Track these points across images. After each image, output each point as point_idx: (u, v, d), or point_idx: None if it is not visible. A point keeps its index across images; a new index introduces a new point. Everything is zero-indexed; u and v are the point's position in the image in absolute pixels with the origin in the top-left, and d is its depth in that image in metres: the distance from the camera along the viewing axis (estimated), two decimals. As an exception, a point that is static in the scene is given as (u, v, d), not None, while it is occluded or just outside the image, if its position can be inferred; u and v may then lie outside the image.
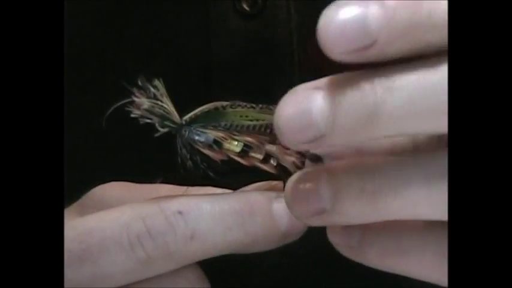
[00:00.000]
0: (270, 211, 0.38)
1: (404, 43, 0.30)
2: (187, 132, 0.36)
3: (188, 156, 0.37)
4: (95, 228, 0.36)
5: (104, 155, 0.49)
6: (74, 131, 0.41)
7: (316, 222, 0.34)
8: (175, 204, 0.36)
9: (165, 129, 0.36)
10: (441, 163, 0.32)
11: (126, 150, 0.46)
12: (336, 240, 0.36)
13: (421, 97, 0.30)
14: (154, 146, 0.38)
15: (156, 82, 0.36)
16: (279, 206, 0.38)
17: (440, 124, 0.31)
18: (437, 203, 0.32)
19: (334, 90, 0.31)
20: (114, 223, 0.36)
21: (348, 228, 0.35)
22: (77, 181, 0.41)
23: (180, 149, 0.37)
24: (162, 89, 0.36)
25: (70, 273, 0.35)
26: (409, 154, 0.33)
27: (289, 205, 0.35)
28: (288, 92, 0.32)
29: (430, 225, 0.34)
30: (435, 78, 0.30)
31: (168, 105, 0.36)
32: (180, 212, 0.36)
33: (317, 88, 0.32)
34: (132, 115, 0.36)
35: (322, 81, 0.32)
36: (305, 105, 0.31)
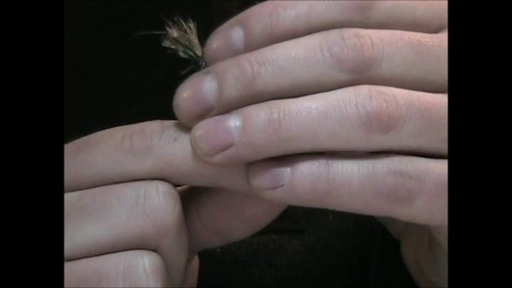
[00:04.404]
0: None
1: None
2: (204, 64, 0.39)
3: None
4: (101, 131, 0.39)
5: None
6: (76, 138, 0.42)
7: (221, 159, 0.37)
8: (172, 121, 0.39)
9: (186, 56, 0.39)
10: (335, 98, 0.36)
11: None
12: (261, 183, 0.37)
13: (288, 69, 0.36)
14: None
15: (191, 23, 0.39)
16: None
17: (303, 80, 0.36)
18: (334, 134, 0.36)
19: (220, 71, 0.37)
20: (119, 127, 0.39)
21: (276, 167, 0.37)
22: None
23: None
24: (194, 30, 0.39)
25: (67, 162, 0.38)
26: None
27: (195, 142, 0.37)
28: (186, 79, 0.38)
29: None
30: (298, 54, 0.36)
31: (195, 40, 0.39)
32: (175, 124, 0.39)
33: (207, 73, 0.37)
34: (163, 44, 0.39)
35: (212, 67, 0.38)
36: (197, 85, 0.37)
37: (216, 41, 0.38)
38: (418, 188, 0.36)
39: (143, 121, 0.39)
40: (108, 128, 0.39)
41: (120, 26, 0.49)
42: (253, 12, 0.38)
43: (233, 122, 0.36)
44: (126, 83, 0.49)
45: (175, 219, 0.37)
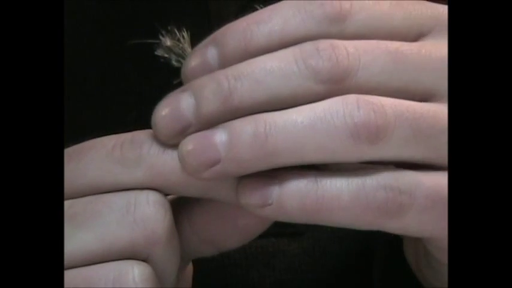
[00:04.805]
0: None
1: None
2: None
3: None
4: (93, 140, 0.39)
5: None
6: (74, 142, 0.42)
7: (209, 175, 0.37)
8: None
9: (179, 65, 0.39)
10: (321, 109, 0.36)
11: None
12: (250, 200, 0.37)
13: (264, 81, 0.36)
14: None
15: (184, 32, 0.39)
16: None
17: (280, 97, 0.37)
18: (322, 147, 0.36)
19: (197, 88, 0.37)
20: (111, 136, 0.39)
21: (264, 185, 0.37)
22: None
23: None
24: (188, 39, 0.39)
25: None
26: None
27: (183, 159, 0.37)
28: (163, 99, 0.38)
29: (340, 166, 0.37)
30: (274, 66, 0.36)
31: (188, 50, 0.39)
32: None
33: (184, 90, 0.37)
34: (156, 53, 0.40)
35: (189, 84, 0.38)
36: (174, 103, 0.37)
37: (193, 61, 0.38)
38: (409, 202, 0.36)
39: (142, 125, 0.39)
40: (107, 132, 0.39)
41: (120, 30, 0.49)
42: (226, 30, 0.38)
43: (219, 137, 0.36)
44: (125, 87, 0.49)
45: (165, 228, 0.37)
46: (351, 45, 0.37)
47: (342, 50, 0.36)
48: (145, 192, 0.38)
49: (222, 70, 0.37)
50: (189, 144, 0.37)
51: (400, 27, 0.38)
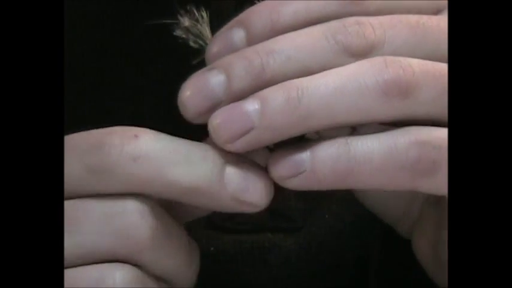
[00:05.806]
0: (219, 165, 0.38)
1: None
2: None
3: None
4: (70, 135, 0.38)
5: None
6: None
7: (242, 144, 0.36)
8: (134, 129, 0.37)
9: (196, 46, 0.39)
10: (351, 70, 0.36)
11: None
12: (283, 172, 0.37)
13: (295, 57, 0.37)
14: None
15: (203, 11, 0.39)
16: (230, 170, 0.38)
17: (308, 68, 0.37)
18: (355, 106, 0.36)
19: (227, 65, 0.37)
20: (83, 133, 0.38)
21: (296, 154, 0.37)
22: None
23: None
24: (206, 18, 0.39)
25: None
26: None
27: (215, 131, 0.37)
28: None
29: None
30: (304, 42, 0.37)
31: (206, 30, 0.39)
32: (136, 136, 0.37)
33: (211, 68, 0.37)
34: (174, 33, 0.39)
35: (216, 62, 0.37)
36: (203, 81, 0.37)
37: (217, 44, 0.38)
38: (441, 158, 0.36)
39: (139, 119, 0.39)
40: (104, 125, 0.38)
41: (117, 26, 0.49)
42: (252, 12, 0.38)
43: (251, 105, 0.36)
44: (122, 81, 0.49)
45: (150, 234, 0.37)
46: (375, 21, 0.37)
47: (368, 26, 0.37)
48: (126, 200, 0.37)
49: (250, 47, 0.37)
50: (219, 116, 0.37)
51: (419, 5, 0.39)
